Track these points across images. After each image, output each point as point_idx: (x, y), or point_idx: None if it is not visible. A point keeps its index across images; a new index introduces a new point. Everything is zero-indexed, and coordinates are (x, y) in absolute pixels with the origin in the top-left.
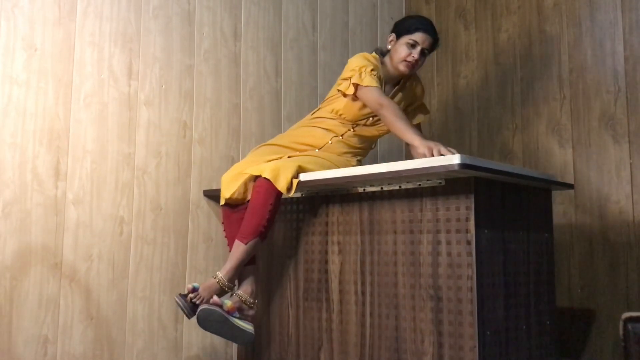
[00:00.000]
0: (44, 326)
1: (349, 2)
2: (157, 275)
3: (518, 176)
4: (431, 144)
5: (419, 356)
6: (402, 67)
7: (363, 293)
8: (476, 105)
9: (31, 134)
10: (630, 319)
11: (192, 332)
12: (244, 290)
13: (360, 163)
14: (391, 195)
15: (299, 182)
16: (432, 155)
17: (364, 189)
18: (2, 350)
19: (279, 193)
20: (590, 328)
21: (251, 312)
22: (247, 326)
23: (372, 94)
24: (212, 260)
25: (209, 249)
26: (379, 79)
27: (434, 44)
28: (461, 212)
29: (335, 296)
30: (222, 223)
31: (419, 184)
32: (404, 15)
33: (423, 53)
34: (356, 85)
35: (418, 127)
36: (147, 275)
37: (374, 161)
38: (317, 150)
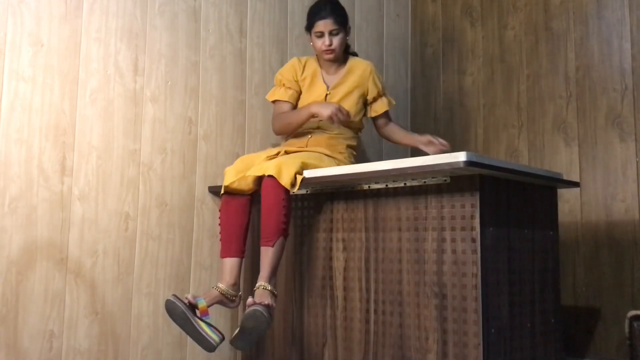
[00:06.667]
0: (49, 321)
1: None
2: (162, 271)
3: (523, 174)
4: (329, 104)
5: (423, 353)
6: (325, 57)
7: (367, 290)
8: (482, 103)
9: (37, 129)
10: (636, 317)
11: None
12: (226, 282)
13: (351, 148)
14: (396, 193)
15: (304, 179)
16: (333, 114)
17: (369, 186)
18: (8, 345)
19: (287, 188)
20: (595, 326)
21: (232, 305)
22: (212, 334)
23: (274, 111)
24: (217, 256)
25: (214, 245)
26: (291, 86)
27: (337, 20)
28: (466, 209)
29: (339, 293)
30: (219, 210)
31: (424, 182)
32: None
33: (332, 34)
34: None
35: (384, 116)
36: (152, 271)
37: (379, 158)
38: (306, 147)
